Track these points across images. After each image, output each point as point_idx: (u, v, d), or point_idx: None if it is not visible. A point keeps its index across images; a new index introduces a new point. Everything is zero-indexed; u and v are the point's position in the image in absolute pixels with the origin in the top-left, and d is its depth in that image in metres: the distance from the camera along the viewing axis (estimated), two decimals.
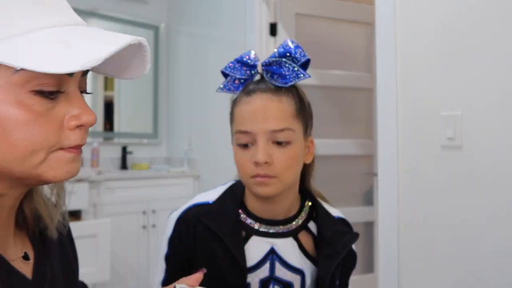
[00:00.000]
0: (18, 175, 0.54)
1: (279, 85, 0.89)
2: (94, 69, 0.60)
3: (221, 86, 0.95)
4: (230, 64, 0.94)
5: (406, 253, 1.74)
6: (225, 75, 0.95)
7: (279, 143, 0.87)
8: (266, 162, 0.86)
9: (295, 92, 0.92)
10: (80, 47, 0.53)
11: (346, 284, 1.03)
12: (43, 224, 0.65)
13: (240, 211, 0.95)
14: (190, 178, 3.15)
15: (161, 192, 2.98)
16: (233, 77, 0.93)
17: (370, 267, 2.90)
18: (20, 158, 0.53)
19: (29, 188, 0.61)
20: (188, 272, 0.93)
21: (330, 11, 2.78)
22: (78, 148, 0.57)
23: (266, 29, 2.63)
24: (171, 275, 0.96)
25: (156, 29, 3.57)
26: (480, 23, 1.51)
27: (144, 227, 2.89)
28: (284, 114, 0.88)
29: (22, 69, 0.51)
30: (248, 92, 0.91)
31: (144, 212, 2.89)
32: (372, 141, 2.84)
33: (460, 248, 1.56)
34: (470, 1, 1.54)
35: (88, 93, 0.63)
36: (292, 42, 0.91)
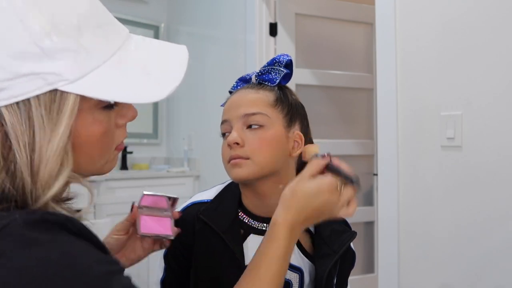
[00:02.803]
0: (85, 173, 0.62)
1: (266, 84, 0.95)
2: None
3: (225, 101, 1.01)
4: (234, 83, 1.01)
5: (406, 253, 1.74)
6: (231, 93, 1.01)
7: (251, 127, 0.90)
8: (237, 144, 0.89)
9: (278, 89, 0.95)
10: (157, 72, 0.60)
11: (346, 284, 1.03)
12: None
13: (238, 209, 0.96)
14: (190, 178, 3.15)
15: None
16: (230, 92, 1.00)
17: (370, 267, 2.90)
18: (93, 161, 0.61)
19: None
20: (188, 270, 0.94)
21: (330, 11, 2.78)
22: (122, 143, 0.66)
23: (266, 29, 2.63)
24: (170, 273, 0.97)
25: (156, 29, 3.57)
26: (480, 23, 1.51)
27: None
28: (258, 101, 0.92)
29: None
30: (234, 92, 0.98)
31: None
32: (372, 141, 2.84)
33: (460, 248, 1.56)
34: (470, 1, 1.54)
35: None
36: (280, 55, 0.97)
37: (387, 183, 1.80)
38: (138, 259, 0.89)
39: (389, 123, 1.79)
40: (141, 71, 0.59)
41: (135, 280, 0.58)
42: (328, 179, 0.74)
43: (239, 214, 0.95)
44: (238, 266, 0.89)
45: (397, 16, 1.78)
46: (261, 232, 0.94)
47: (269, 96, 0.93)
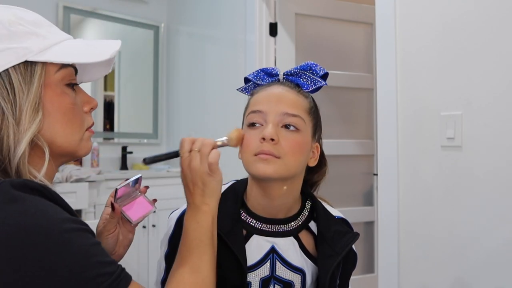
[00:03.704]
0: (65, 150, 0.75)
1: (302, 89, 0.95)
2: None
3: (242, 88, 1.01)
4: (254, 72, 0.99)
5: (406, 253, 1.74)
6: (247, 80, 1.00)
7: (288, 127, 0.89)
8: (272, 140, 0.86)
9: (311, 97, 0.97)
10: (99, 47, 0.78)
11: (347, 285, 1.03)
12: None
13: (241, 210, 0.95)
14: None
15: (161, 192, 2.98)
16: (255, 83, 0.98)
17: (370, 267, 2.90)
18: (70, 133, 0.75)
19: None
20: None
21: (330, 11, 2.78)
22: (91, 127, 0.81)
23: (266, 29, 2.63)
24: None
25: (156, 29, 3.57)
26: (480, 23, 1.51)
27: (144, 227, 2.89)
28: (298, 104, 0.91)
29: (61, 68, 0.74)
30: (267, 84, 0.96)
31: None
32: (372, 141, 2.84)
33: (460, 248, 1.56)
34: (470, 2, 1.54)
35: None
36: (315, 63, 0.97)
37: (387, 183, 1.80)
38: (131, 241, 0.95)
39: (389, 123, 1.80)
40: (85, 45, 0.78)
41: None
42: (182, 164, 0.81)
43: (242, 214, 0.95)
44: (240, 267, 0.89)
45: (397, 16, 1.78)
46: (264, 233, 0.94)
47: (306, 103, 0.93)
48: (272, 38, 2.63)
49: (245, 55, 2.69)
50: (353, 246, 1.00)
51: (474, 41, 1.53)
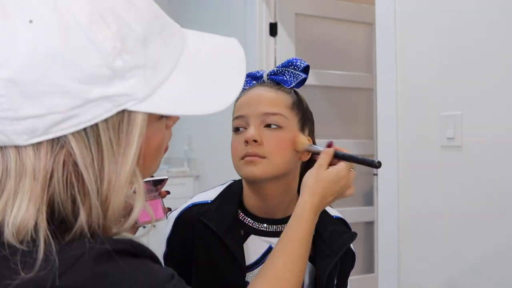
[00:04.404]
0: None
1: (283, 86, 0.94)
2: None
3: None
4: None
5: (406, 253, 1.74)
6: None
7: (270, 126, 0.90)
8: (255, 141, 0.87)
9: (294, 92, 0.96)
10: (221, 78, 0.57)
11: (345, 284, 1.03)
12: None
13: (238, 210, 0.95)
14: (190, 178, 3.15)
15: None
16: (243, 89, 0.98)
17: (370, 267, 2.90)
18: (150, 171, 0.59)
19: None
20: (188, 271, 0.94)
21: (330, 11, 2.77)
22: None
23: (266, 29, 2.63)
24: None
25: None
26: (481, 23, 1.51)
27: (144, 227, 2.89)
28: (278, 102, 0.92)
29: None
30: (248, 88, 0.96)
31: None
32: (372, 141, 2.84)
33: (460, 248, 1.56)
34: (470, 1, 1.54)
35: None
36: (296, 58, 0.97)
37: (387, 183, 1.80)
38: None
39: (389, 123, 1.79)
40: (205, 79, 0.56)
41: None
42: (344, 167, 0.84)
43: (240, 214, 0.95)
44: (238, 267, 0.89)
45: (397, 16, 1.78)
46: (261, 233, 0.94)
47: (287, 98, 0.93)
48: (272, 38, 2.63)
49: (245, 55, 2.68)
50: (352, 246, 1.00)
51: (474, 41, 1.53)
